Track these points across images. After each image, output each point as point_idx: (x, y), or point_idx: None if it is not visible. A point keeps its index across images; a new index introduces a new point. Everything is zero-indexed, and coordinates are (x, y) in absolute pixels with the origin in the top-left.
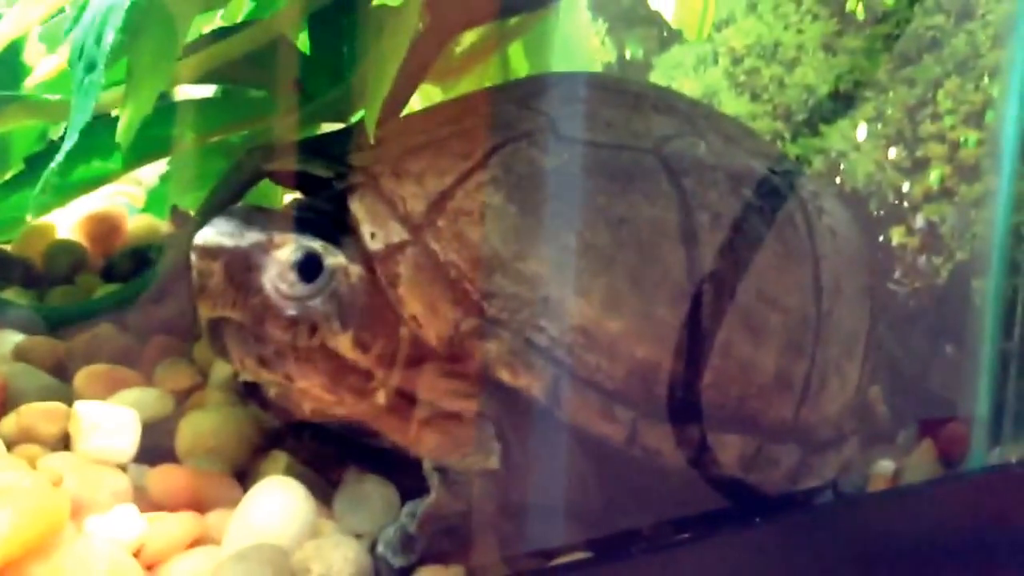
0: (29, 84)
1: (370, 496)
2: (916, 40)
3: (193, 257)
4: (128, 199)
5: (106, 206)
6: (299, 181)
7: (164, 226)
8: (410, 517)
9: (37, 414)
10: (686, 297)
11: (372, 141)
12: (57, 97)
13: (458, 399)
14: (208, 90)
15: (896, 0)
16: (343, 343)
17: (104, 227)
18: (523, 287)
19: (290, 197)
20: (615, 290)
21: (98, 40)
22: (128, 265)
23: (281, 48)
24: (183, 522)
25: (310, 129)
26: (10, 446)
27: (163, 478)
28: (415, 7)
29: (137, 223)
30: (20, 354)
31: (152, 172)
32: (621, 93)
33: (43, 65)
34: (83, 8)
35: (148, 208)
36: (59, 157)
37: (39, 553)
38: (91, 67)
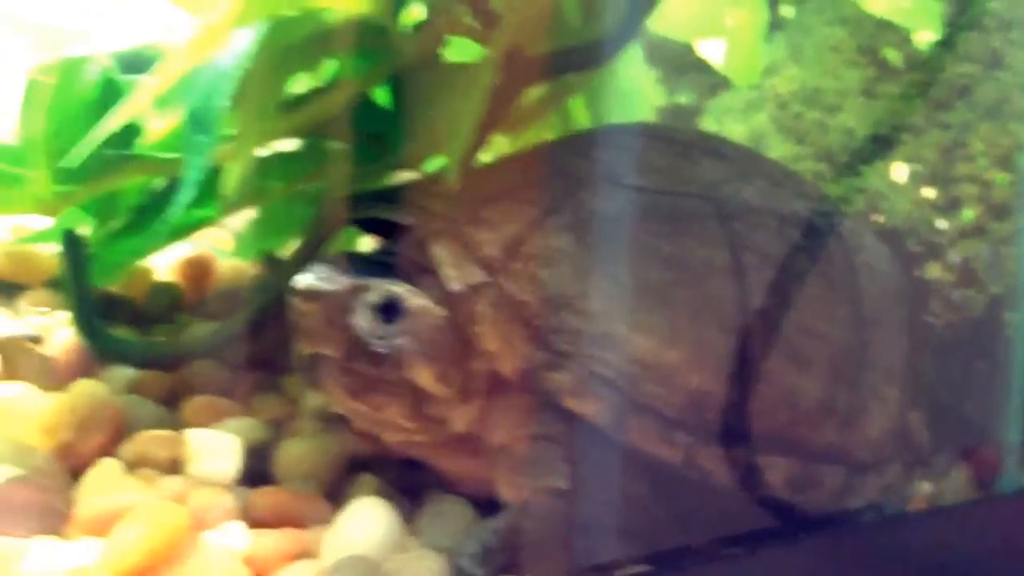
0: (141, 144)
1: (449, 514)
2: (949, 87)
3: (294, 300)
4: (213, 243)
5: (197, 250)
6: (378, 226)
7: (250, 268)
8: (491, 532)
9: (151, 441)
10: (736, 330)
11: (457, 189)
12: (168, 156)
13: (530, 425)
14: (292, 143)
15: (930, 49)
16: (426, 376)
17: (197, 269)
18: (588, 323)
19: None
20: (671, 324)
21: (210, 105)
22: (220, 305)
23: (363, 105)
24: (286, 537)
25: (386, 178)
26: (129, 469)
27: (265, 498)
28: (489, 66)
29: (226, 266)
30: (133, 387)
31: (237, 218)
32: (672, 142)
33: (153, 126)
34: (191, 77)
35: (237, 252)
36: (174, 209)
37: (166, 562)
38: (203, 129)
